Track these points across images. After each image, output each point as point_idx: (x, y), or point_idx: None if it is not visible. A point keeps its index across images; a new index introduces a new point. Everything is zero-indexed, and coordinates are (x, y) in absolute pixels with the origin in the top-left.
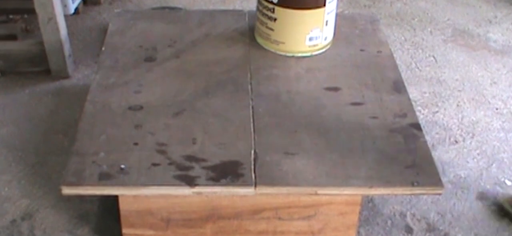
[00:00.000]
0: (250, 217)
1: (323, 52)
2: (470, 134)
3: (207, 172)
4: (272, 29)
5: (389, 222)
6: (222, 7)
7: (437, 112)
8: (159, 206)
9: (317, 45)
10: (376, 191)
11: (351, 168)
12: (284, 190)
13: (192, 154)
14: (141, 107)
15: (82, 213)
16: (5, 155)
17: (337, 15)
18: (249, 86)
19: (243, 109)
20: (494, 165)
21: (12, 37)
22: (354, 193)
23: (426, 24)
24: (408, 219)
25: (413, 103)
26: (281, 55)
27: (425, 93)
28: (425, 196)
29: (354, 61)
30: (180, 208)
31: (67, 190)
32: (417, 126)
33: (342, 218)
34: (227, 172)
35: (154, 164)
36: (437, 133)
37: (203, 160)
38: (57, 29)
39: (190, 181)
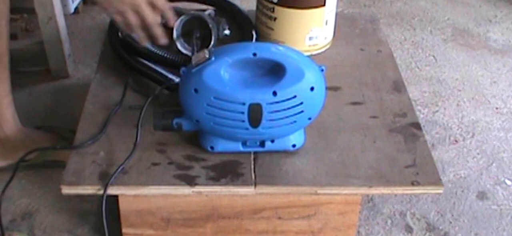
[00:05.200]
0: (250, 217)
1: (323, 52)
2: (470, 134)
3: (207, 171)
4: (272, 29)
5: (389, 221)
6: None
7: (437, 111)
8: (159, 206)
9: (317, 44)
10: (376, 191)
11: (351, 167)
12: (284, 189)
13: (192, 154)
14: (141, 107)
15: (82, 213)
16: None
17: (337, 14)
18: None
19: None
20: (494, 164)
21: (12, 37)
22: (354, 192)
23: (426, 23)
24: (408, 218)
25: (413, 102)
26: None
27: (425, 92)
28: (425, 196)
29: (354, 60)
30: (180, 208)
31: (66, 190)
32: (417, 126)
33: (342, 218)
34: (227, 172)
35: (154, 164)
36: (437, 133)
37: (203, 159)
38: (57, 29)
39: (190, 181)
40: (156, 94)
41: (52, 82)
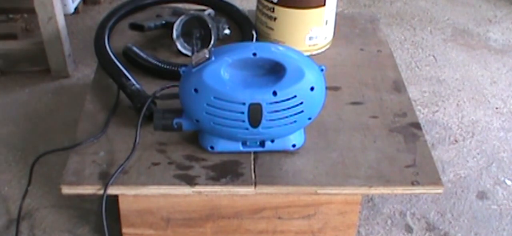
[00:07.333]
0: (250, 217)
1: (323, 52)
2: (470, 134)
3: (207, 171)
4: (272, 29)
5: (389, 221)
6: None
7: (437, 111)
8: (159, 206)
9: (317, 44)
10: (376, 191)
11: (351, 167)
12: (284, 189)
13: (192, 154)
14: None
15: (82, 213)
16: (5, 155)
17: (337, 14)
18: None
19: None
20: (494, 164)
21: (12, 37)
22: (354, 192)
23: (426, 23)
24: (408, 218)
25: (413, 102)
26: None
27: (425, 92)
28: (425, 196)
29: (354, 60)
30: (180, 208)
31: (67, 190)
32: (417, 126)
33: (342, 218)
34: (227, 172)
35: (154, 164)
36: (437, 133)
37: (203, 159)
38: (57, 29)
39: (190, 181)
40: (157, 95)
41: (52, 82)
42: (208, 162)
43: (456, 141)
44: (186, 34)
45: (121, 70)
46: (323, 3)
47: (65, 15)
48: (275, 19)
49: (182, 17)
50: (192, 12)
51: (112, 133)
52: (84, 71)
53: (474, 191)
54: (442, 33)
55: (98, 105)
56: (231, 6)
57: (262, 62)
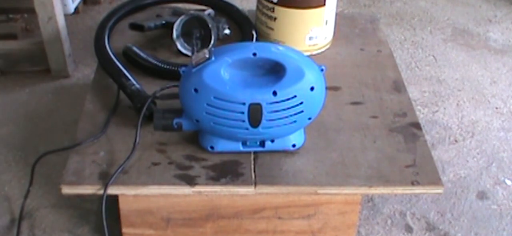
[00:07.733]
0: (250, 217)
1: (323, 52)
2: (470, 134)
3: (207, 171)
4: (272, 29)
5: (389, 221)
6: None
7: (437, 111)
8: (159, 206)
9: (317, 44)
10: (376, 191)
11: (351, 167)
12: (284, 189)
13: (192, 154)
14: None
15: (82, 213)
16: (5, 154)
17: (337, 14)
18: None
19: None
20: (494, 164)
21: (12, 37)
22: (354, 192)
23: (426, 23)
24: (408, 218)
25: (413, 102)
26: None
27: (425, 92)
28: (425, 196)
29: (354, 60)
30: (180, 208)
31: (67, 190)
32: (417, 126)
33: (342, 217)
34: (227, 172)
35: (154, 164)
36: (437, 133)
37: (203, 159)
38: (57, 29)
39: (190, 181)
40: (157, 95)
41: (52, 82)
42: (208, 162)
43: (456, 141)
44: (186, 34)
45: (121, 70)
46: (323, 3)
47: (65, 15)
48: (275, 19)
49: (182, 17)
50: (192, 12)
51: (112, 133)
52: (84, 71)
53: (474, 191)
54: (442, 33)
55: (98, 105)
56: (231, 6)
57: (262, 62)
